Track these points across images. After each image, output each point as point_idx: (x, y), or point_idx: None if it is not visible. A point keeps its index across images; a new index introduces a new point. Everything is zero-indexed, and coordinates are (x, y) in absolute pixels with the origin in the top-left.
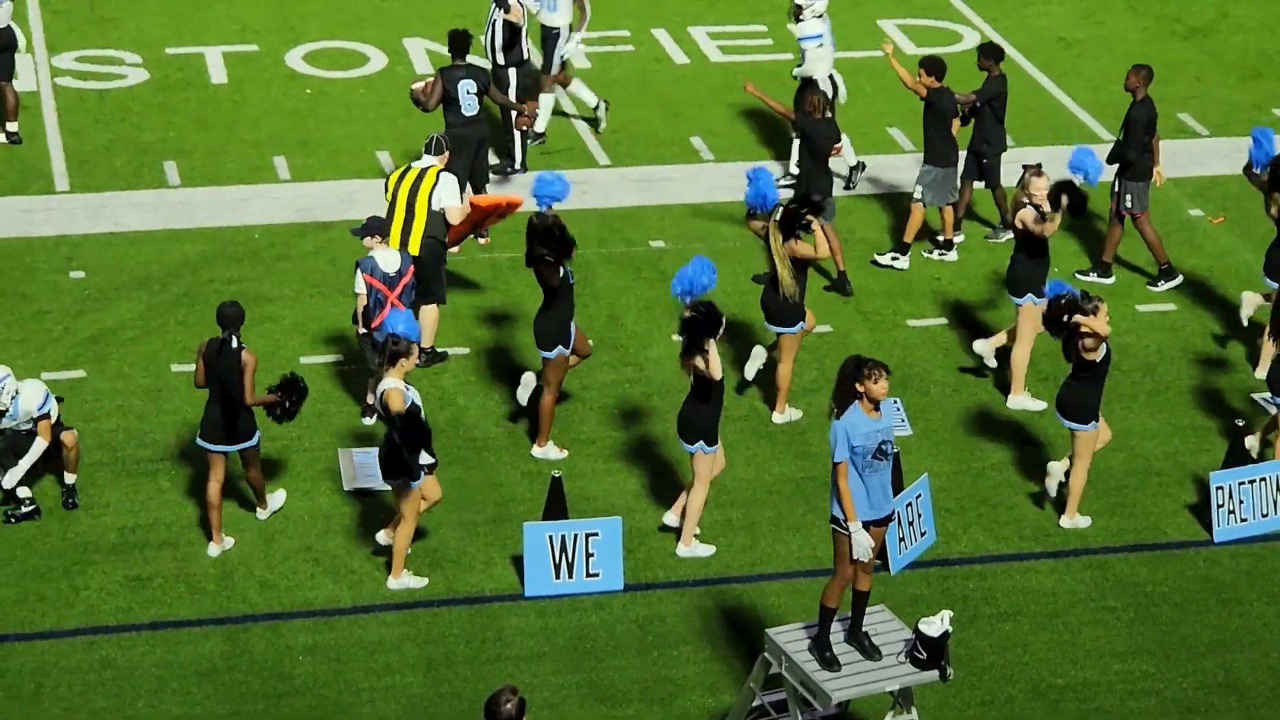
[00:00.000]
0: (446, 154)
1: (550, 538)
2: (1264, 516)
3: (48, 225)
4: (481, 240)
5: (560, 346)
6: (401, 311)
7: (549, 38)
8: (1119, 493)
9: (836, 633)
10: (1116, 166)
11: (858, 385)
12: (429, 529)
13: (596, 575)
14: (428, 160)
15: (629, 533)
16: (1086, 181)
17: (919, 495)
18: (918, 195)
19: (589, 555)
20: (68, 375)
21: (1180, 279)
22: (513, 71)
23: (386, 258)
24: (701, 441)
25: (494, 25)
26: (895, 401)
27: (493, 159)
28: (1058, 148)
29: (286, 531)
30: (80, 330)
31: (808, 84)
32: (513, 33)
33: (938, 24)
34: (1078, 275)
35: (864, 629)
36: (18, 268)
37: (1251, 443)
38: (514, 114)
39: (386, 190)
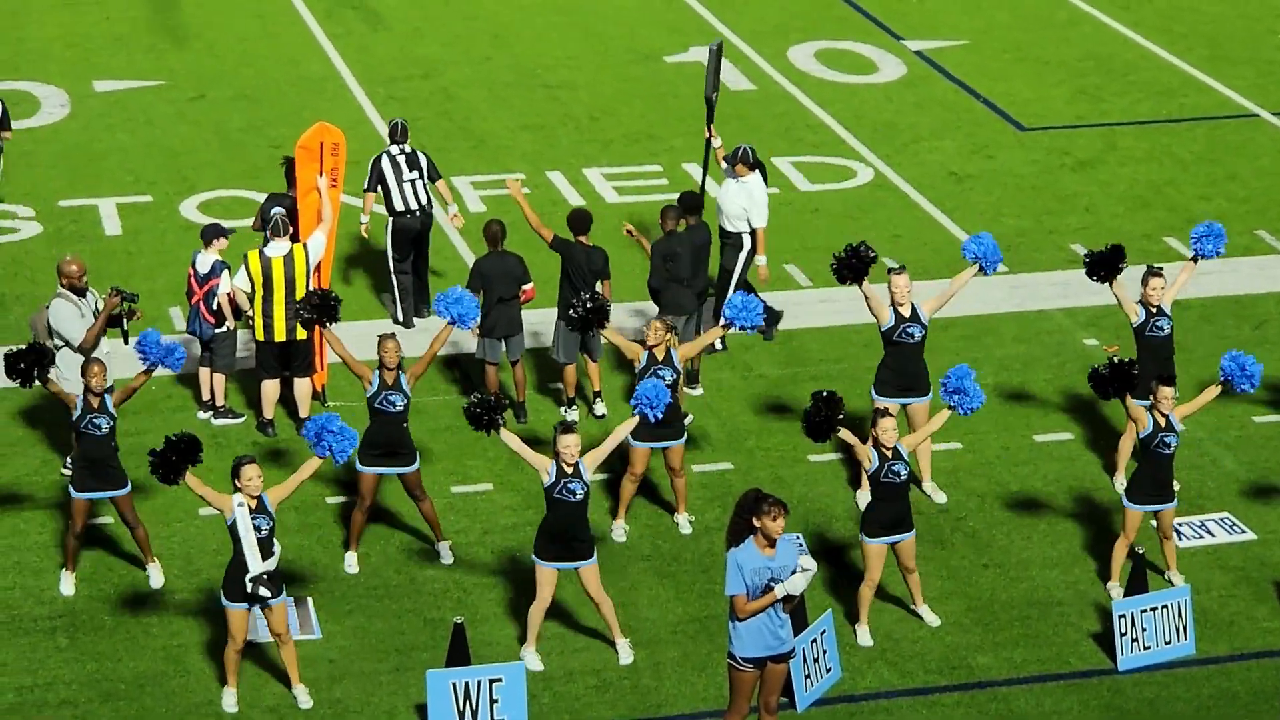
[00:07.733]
0: (292, 228)
1: (454, 685)
2: (1167, 644)
3: None
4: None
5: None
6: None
7: None
8: (1022, 624)
9: None
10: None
11: (755, 520)
12: (330, 680)
13: None
14: (284, 243)
15: (533, 677)
16: (983, 270)
17: (823, 631)
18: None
19: (493, 701)
20: None
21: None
22: None
23: (205, 259)
24: None
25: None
26: (797, 538)
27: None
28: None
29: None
30: None
31: None
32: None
33: (830, 160)
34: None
35: None
36: None
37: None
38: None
39: (249, 272)
